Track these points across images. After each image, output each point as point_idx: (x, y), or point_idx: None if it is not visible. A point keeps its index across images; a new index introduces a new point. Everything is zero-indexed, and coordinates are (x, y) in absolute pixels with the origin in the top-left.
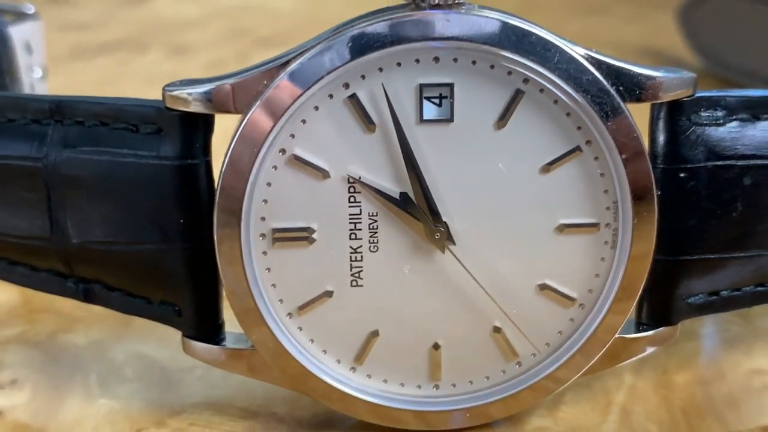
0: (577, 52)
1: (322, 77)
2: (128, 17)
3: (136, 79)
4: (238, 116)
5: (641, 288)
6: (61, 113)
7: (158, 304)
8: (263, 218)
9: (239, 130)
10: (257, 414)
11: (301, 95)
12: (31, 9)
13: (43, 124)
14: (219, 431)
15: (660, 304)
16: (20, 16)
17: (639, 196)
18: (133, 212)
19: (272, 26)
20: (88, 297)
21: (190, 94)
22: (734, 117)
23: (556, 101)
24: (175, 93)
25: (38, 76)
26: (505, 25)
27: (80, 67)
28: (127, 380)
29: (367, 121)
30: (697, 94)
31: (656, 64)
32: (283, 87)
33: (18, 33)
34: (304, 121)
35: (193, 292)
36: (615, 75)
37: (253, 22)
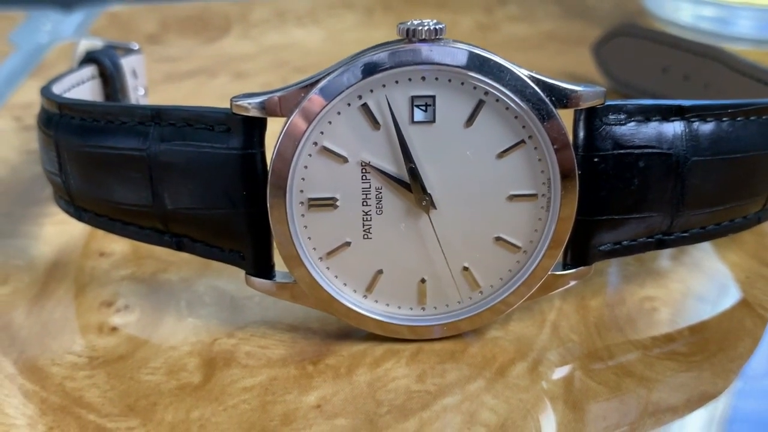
0: (522, 72)
1: (342, 91)
2: (204, 53)
3: (210, 96)
4: (283, 119)
5: (567, 239)
6: (159, 117)
7: (228, 251)
8: (302, 191)
9: (284, 129)
10: (298, 328)
11: (327, 104)
12: (136, 46)
13: (146, 125)
14: (272, 339)
15: (579, 251)
16: (128, 51)
17: (566, 175)
18: (210, 187)
19: (305, 59)
20: (179, 247)
21: (249, 103)
22: (632, 119)
23: (507, 108)
24: (238, 102)
25: (141, 94)
26: (472, 54)
27: (171, 88)
28: (206, 305)
29: (374, 122)
30: (606, 103)
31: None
32: (314, 99)
33: (127, 63)
34: (330, 122)
35: (252, 243)
36: (549, 89)
37: (292, 56)
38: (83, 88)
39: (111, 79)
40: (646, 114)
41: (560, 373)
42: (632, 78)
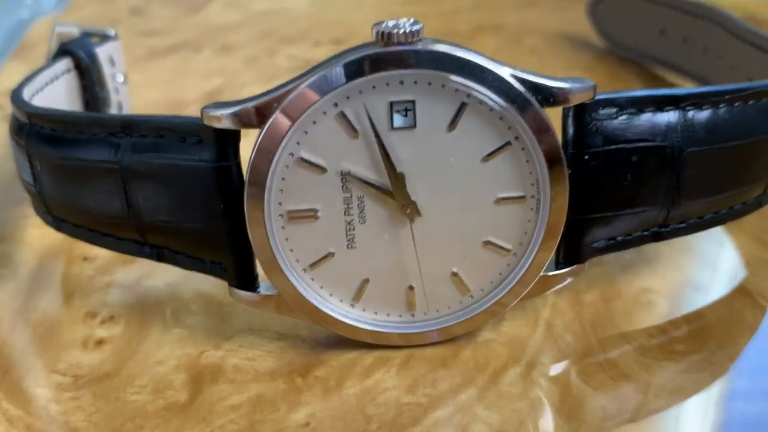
0: (505, 72)
1: (317, 101)
2: (187, 24)
3: (195, 75)
4: (257, 130)
5: (558, 239)
6: (130, 128)
7: (210, 263)
8: (280, 203)
9: (258, 141)
10: (286, 336)
11: (301, 114)
12: (112, 32)
13: (117, 136)
14: (259, 350)
15: (572, 249)
16: (104, 38)
17: (555, 175)
18: (186, 200)
19: (292, 27)
20: (159, 258)
21: (221, 114)
22: (624, 112)
23: (491, 109)
24: (210, 113)
25: (120, 81)
26: (451, 56)
27: (154, 65)
28: (193, 313)
29: (352, 130)
30: (596, 97)
31: (573, 46)
32: (288, 108)
33: (103, 51)
34: (306, 132)
35: (233, 256)
36: (534, 88)
37: (278, 24)
38: (58, 83)
39: (87, 72)
40: (639, 105)
41: (554, 378)
42: (629, 39)
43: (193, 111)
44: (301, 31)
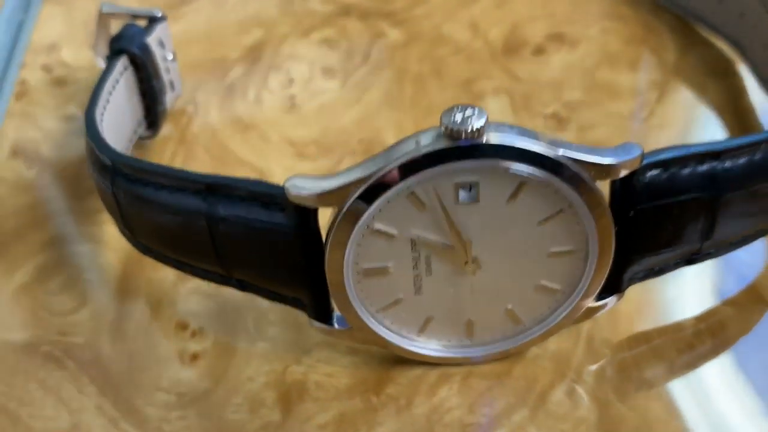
0: (560, 153)
1: (392, 187)
2: None
3: (231, 23)
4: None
5: (604, 279)
6: (213, 190)
7: (291, 298)
8: (357, 263)
9: (338, 220)
10: (358, 351)
11: (378, 197)
12: (159, 13)
13: (201, 193)
14: (336, 366)
15: (614, 283)
16: (152, 20)
17: (603, 233)
18: (269, 254)
19: None
20: (243, 288)
21: (303, 194)
22: (668, 170)
23: (547, 185)
24: (292, 191)
25: (170, 59)
26: (513, 148)
27: (187, 10)
28: (272, 323)
29: (421, 205)
30: (643, 162)
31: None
32: (367, 193)
33: (153, 37)
34: (380, 210)
35: (311, 297)
36: (588, 166)
37: None
38: (119, 87)
39: (143, 67)
40: (681, 163)
41: (594, 396)
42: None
43: (237, 73)
44: None
